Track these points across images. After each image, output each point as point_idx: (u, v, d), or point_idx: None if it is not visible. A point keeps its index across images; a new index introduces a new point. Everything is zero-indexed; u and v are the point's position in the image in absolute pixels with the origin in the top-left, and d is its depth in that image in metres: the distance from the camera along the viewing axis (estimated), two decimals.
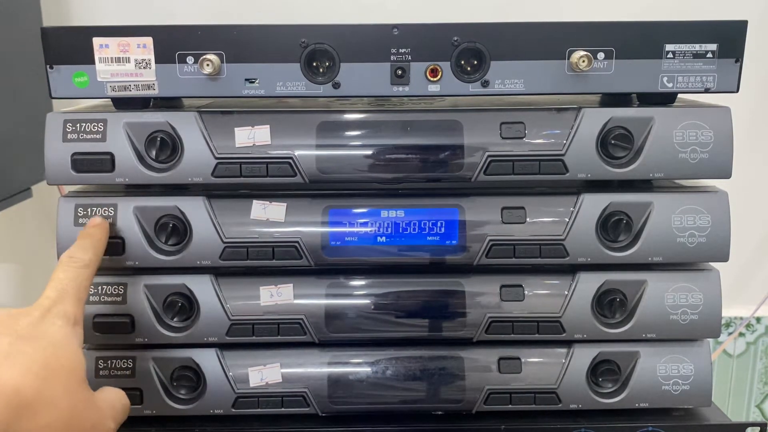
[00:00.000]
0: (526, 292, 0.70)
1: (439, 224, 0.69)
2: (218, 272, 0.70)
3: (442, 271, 0.71)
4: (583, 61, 0.65)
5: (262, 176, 0.67)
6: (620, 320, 0.70)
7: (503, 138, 0.67)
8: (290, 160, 0.67)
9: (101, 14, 1.05)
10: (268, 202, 0.69)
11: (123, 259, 0.68)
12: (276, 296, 0.69)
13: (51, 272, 0.60)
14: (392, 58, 0.66)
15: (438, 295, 0.70)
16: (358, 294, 0.70)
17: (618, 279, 0.70)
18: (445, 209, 0.69)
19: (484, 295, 0.70)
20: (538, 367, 0.71)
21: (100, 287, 0.69)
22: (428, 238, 0.69)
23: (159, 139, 0.66)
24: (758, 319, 1.19)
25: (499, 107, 0.69)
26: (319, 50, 0.65)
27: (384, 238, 0.69)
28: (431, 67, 0.66)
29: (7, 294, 1.15)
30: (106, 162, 0.67)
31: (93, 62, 0.65)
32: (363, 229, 0.69)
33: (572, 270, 0.70)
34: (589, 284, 0.69)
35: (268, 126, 0.67)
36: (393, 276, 0.71)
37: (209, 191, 0.69)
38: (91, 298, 0.69)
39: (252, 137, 0.67)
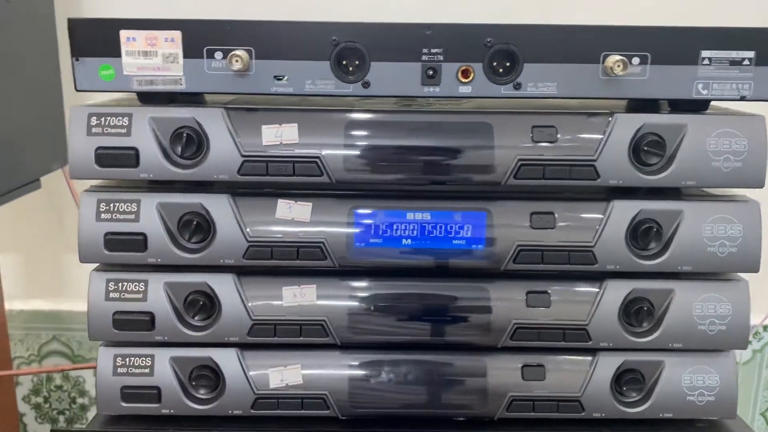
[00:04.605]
0: (552, 299, 0.69)
1: (465, 228, 0.68)
2: (241, 271, 0.69)
3: (467, 276, 0.70)
4: (619, 66, 0.64)
5: (288, 175, 0.66)
6: (647, 329, 0.69)
7: (534, 141, 0.66)
8: (317, 160, 0.66)
9: (112, 5, 1.04)
10: (293, 202, 0.67)
11: (145, 256, 0.67)
12: (299, 297, 0.68)
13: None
14: (424, 58, 0.65)
15: (463, 299, 0.69)
16: (381, 297, 0.69)
17: (645, 287, 0.69)
18: (472, 212, 0.68)
19: (510, 301, 0.69)
20: (562, 374, 0.70)
21: (120, 284, 0.68)
22: (454, 241, 0.68)
23: (185, 134, 0.65)
24: (765, 327, 1.19)
25: (529, 110, 0.68)
26: (350, 48, 0.64)
27: (409, 240, 0.68)
28: (463, 68, 0.65)
29: (14, 284, 1.14)
30: (130, 157, 0.66)
31: (119, 55, 0.64)
32: (388, 231, 0.68)
33: (600, 277, 0.69)
34: (616, 292, 0.68)
35: (296, 124, 0.66)
36: (417, 279, 0.70)
37: (234, 189, 0.68)
38: (111, 295, 0.68)
39: (279, 135, 0.66)
